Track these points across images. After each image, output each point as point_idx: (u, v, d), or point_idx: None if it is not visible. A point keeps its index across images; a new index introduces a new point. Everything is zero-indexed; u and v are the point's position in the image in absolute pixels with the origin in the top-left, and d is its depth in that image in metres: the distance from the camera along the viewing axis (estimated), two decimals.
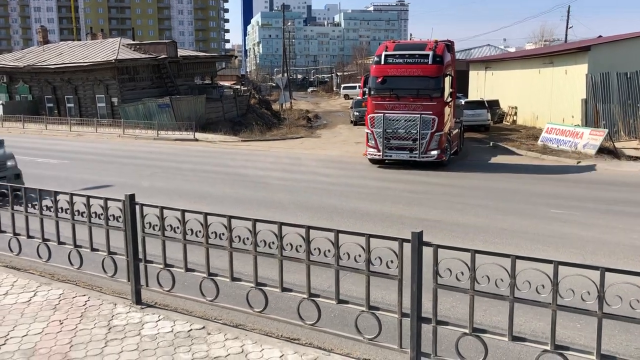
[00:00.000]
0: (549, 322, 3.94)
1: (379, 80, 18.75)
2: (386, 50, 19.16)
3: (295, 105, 55.49)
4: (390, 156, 18.97)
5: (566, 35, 58.43)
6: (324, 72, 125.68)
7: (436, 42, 19.24)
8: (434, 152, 18.38)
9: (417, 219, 11.21)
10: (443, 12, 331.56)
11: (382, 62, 18.95)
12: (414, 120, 18.25)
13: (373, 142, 18.93)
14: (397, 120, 18.46)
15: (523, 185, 15.53)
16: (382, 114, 18.52)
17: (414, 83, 18.36)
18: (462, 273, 4.10)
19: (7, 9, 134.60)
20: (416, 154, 18.42)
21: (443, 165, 18.87)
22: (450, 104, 19.61)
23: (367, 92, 19.47)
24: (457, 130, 21.61)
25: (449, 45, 20.36)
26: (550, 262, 3.78)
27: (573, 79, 26.52)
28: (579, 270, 3.78)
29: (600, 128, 22.73)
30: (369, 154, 19.35)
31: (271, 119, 43.90)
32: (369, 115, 18.99)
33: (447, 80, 19.17)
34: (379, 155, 18.97)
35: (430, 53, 18.46)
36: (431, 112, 18.19)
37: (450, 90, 19.81)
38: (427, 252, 4.33)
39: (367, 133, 19.18)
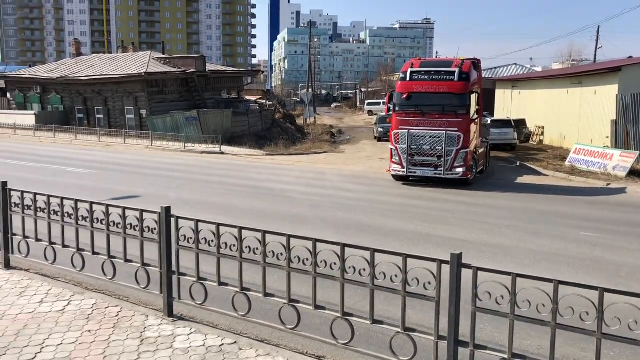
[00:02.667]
0: (594, 350, 3.85)
1: (404, 96, 18.70)
2: (412, 67, 19.12)
3: (319, 121, 55.72)
4: (415, 173, 18.82)
5: (595, 55, 57.88)
6: (348, 88, 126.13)
7: (462, 59, 19.17)
8: (460, 170, 18.21)
9: (444, 238, 11.10)
10: (469, 31, 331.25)
11: (408, 79, 18.90)
12: (439, 137, 18.13)
13: (397, 158, 18.84)
14: (422, 137, 18.35)
15: (551, 207, 15.30)
16: (406, 130, 18.43)
17: (439, 100, 18.25)
18: (502, 297, 4.05)
19: (42, 22, 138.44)
20: (441, 170, 18.26)
21: (468, 183, 18.69)
22: (476, 121, 19.46)
23: (392, 108, 19.40)
24: (483, 149, 21.43)
25: (476, 63, 20.29)
26: (595, 288, 3.71)
27: (602, 99, 26.16)
28: (624, 297, 3.69)
29: (630, 150, 22.34)
30: (392, 170, 19.24)
31: (295, 133, 44.13)
32: (394, 132, 18.92)
33: (474, 97, 19.05)
34: (402, 172, 18.85)
35: (457, 70, 18.37)
36: (457, 129, 18.07)
37: (477, 107, 19.67)
38: (464, 274, 4.29)
39: (391, 149, 19.10)
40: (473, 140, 18.99)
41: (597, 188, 19.10)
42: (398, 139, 18.72)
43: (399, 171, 18.97)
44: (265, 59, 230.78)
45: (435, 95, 18.34)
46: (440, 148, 18.14)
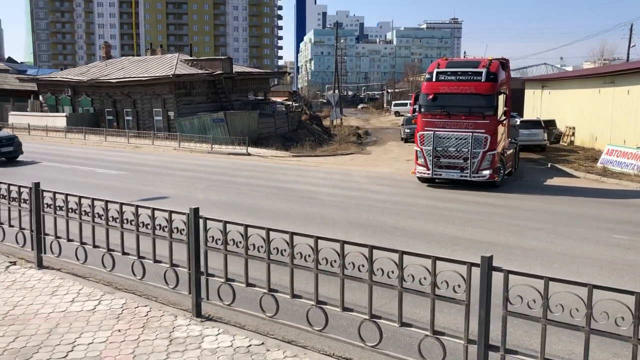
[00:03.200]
0: (626, 357, 3.75)
1: (430, 97, 18.42)
2: (438, 67, 18.84)
3: (345, 122, 55.65)
4: (440, 175, 18.53)
5: (628, 53, 56.61)
6: (375, 89, 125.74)
7: (490, 59, 18.81)
8: (486, 172, 17.91)
9: (472, 241, 10.97)
10: (497, 30, 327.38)
11: (434, 79, 18.62)
12: (465, 139, 17.84)
13: (422, 160, 18.60)
14: (447, 139, 18.09)
15: (582, 209, 15.00)
16: (432, 132, 18.19)
17: (466, 101, 17.92)
18: (534, 301, 3.97)
19: (73, 25, 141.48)
20: (467, 173, 17.98)
21: (495, 186, 18.42)
22: (504, 122, 19.06)
23: (417, 109, 19.11)
24: (511, 150, 21.04)
25: (504, 63, 19.83)
26: (631, 293, 3.61)
27: (636, 99, 25.56)
28: None
29: None
30: (417, 172, 18.98)
31: (322, 134, 44.17)
32: (419, 133, 18.69)
33: (501, 98, 18.66)
34: (428, 174, 18.59)
35: (484, 70, 18.03)
36: (484, 131, 17.75)
37: (505, 109, 19.21)
38: (495, 277, 4.22)
39: (417, 151, 18.87)
40: (501, 142, 18.67)
41: (630, 190, 18.66)
42: (423, 140, 18.50)
43: (424, 173, 18.72)
44: (291, 60, 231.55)
45: (461, 96, 18.03)
46: (467, 150, 17.85)
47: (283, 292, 5.52)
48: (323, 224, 12.18)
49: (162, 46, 63.18)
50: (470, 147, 17.79)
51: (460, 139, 17.94)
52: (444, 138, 18.14)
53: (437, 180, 19.23)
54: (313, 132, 44.26)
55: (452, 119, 18.10)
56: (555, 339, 5.82)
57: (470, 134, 17.78)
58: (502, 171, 18.98)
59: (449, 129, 18.11)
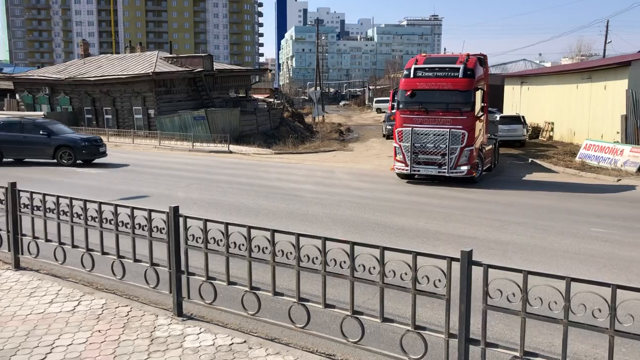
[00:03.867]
0: (605, 348, 3.81)
1: (408, 93, 18.41)
2: (416, 64, 18.82)
3: (327, 119, 55.67)
4: (418, 171, 18.62)
5: (604, 50, 57.46)
6: (356, 86, 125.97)
7: (468, 55, 18.81)
8: (464, 168, 17.96)
9: (453, 236, 11.05)
10: (477, 27, 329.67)
11: (412, 76, 18.59)
12: (443, 135, 17.88)
13: (401, 156, 18.64)
14: (425, 135, 18.13)
15: (561, 203, 15.20)
16: (410, 128, 18.22)
17: (443, 97, 17.97)
18: (514, 294, 4.01)
19: (50, 23, 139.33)
20: (445, 169, 18.02)
21: (473, 181, 18.52)
22: (481, 118, 19.11)
23: (395, 106, 19.14)
24: (490, 146, 21.17)
25: (482, 59, 19.86)
26: (607, 285, 3.66)
27: (612, 94, 25.96)
28: (636, 294, 3.64)
29: None
30: (396, 168, 19.02)
31: (304, 132, 44.17)
32: (397, 129, 18.71)
33: (479, 94, 18.69)
34: (406, 170, 18.63)
35: (461, 66, 18.03)
36: (461, 127, 17.81)
37: (482, 104, 19.28)
38: (475, 271, 4.26)
39: (395, 147, 18.89)
40: (479, 137, 18.75)
41: (608, 184, 18.95)
42: (402, 136, 18.52)
43: (402, 169, 18.75)
44: (272, 57, 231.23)
45: (439, 92, 18.04)
46: (444, 146, 17.90)
47: (265, 289, 5.50)
48: (305, 221, 12.18)
49: (142, 44, 62.54)
50: (447, 143, 17.82)
51: (438, 135, 17.97)
52: (422, 134, 18.17)
53: (416, 176, 19.32)
54: (295, 129, 44.21)
55: (430, 115, 18.11)
56: (535, 331, 5.88)
57: (448, 130, 17.82)
58: (480, 167, 19.07)
59: (427, 125, 18.13)
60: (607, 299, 3.71)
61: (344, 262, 4.87)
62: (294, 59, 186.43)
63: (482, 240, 10.56)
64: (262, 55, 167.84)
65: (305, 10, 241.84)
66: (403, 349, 4.63)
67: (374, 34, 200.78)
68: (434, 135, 18.04)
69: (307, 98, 78.84)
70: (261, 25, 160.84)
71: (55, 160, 21.88)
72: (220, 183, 18.27)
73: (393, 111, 19.71)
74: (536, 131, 34.30)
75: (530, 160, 24.48)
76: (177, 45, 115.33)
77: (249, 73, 53.51)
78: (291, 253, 5.17)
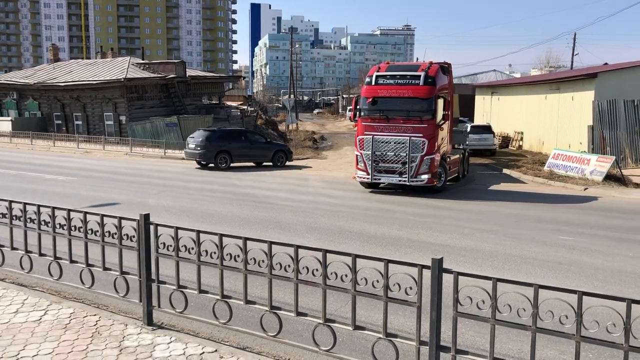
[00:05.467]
0: (573, 354, 3.88)
1: (369, 100, 18.25)
2: (378, 71, 18.69)
3: (301, 127, 55.71)
4: (379, 179, 18.47)
5: (572, 61, 58.86)
6: (330, 94, 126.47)
7: (431, 63, 18.80)
8: (424, 177, 17.79)
9: (425, 243, 11.15)
10: (449, 38, 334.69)
11: (373, 83, 18.45)
12: (403, 143, 17.74)
13: (362, 164, 18.46)
14: (386, 143, 17.97)
15: (530, 211, 15.46)
16: (371, 136, 18.08)
17: (404, 104, 17.80)
18: (484, 301, 4.06)
19: (18, 26, 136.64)
20: (405, 177, 17.85)
21: (435, 191, 18.46)
22: (443, 126, 18.80)
23: (357, 114, 18.89)
24: (457, 155, 21.10)
25: (445, 68, 19.71)
26: (574, 292, 3.74)
27: (579, 105, 26.59)
28: (602, 300, 3.73)
29: (607, 155, 22.71)
30: (358, 177, 18.82)
31: (277, 139, 44.00)
32: (358, 137, 18.52)
33: (441, 102, 18.48)
34: (367, 179, 18.46)
35: (422, 74, 17.94)
36: (422, 135, 17.68)
37: (445, 112, 18.93)
38: (446, 278, 4.30)
39: (357, 155, 18.71)
40: (441, 146, 18.62)
41: (575, 192, 19.36)
42: (363, 144, 18.33)
43: (364, 178, 18.56)
44: (246, 64, 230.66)
45: (400, 99, 17.90)
46: (405, 154, 17.73)
47: (237, 298, 5.46)
48: (279, 229, 12.14)
49: (113, 49, 61.84)
50: (408, 152, 17.68)
51: (399, 143, 17.84)
52: (382, 142, 18.03)
53: (381, 185, 19.28)
54: (269, 136, 44.07)
55: (391, 122, 18.00)
56: (505, 338, 5.96)
57: (408, 138, 17.69)
58: (443, 176, 18.93)
59: (388, 133, 17.99)
60: (574, 306, 3.79)
61: (317, 270, 4.87)
62: (267, 66, 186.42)
63: (453, 248, 10.68)
64: (235, 62, 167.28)
65: (279, 18, 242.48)
66: (375, 356, 4.64)
67: (348, 43, 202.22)
68: (395, 143, 17.89)
69: (280, 106, 78.78)
70: (235, 32, 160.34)
71: None
72: (193, 190, 18.10)
73: (352, 119, 19.45)
74: (506, 140, 34.88)
75: (500, 169, 24.86)
76: (149, 51, 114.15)
77: (223, 80, 53.32)
78: (263, 261, 5.15)
